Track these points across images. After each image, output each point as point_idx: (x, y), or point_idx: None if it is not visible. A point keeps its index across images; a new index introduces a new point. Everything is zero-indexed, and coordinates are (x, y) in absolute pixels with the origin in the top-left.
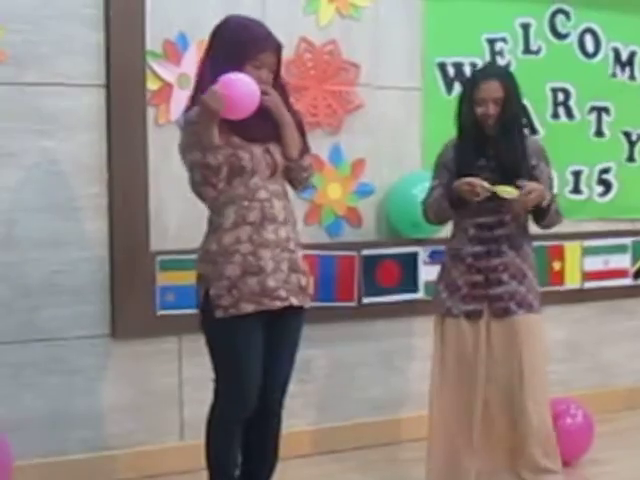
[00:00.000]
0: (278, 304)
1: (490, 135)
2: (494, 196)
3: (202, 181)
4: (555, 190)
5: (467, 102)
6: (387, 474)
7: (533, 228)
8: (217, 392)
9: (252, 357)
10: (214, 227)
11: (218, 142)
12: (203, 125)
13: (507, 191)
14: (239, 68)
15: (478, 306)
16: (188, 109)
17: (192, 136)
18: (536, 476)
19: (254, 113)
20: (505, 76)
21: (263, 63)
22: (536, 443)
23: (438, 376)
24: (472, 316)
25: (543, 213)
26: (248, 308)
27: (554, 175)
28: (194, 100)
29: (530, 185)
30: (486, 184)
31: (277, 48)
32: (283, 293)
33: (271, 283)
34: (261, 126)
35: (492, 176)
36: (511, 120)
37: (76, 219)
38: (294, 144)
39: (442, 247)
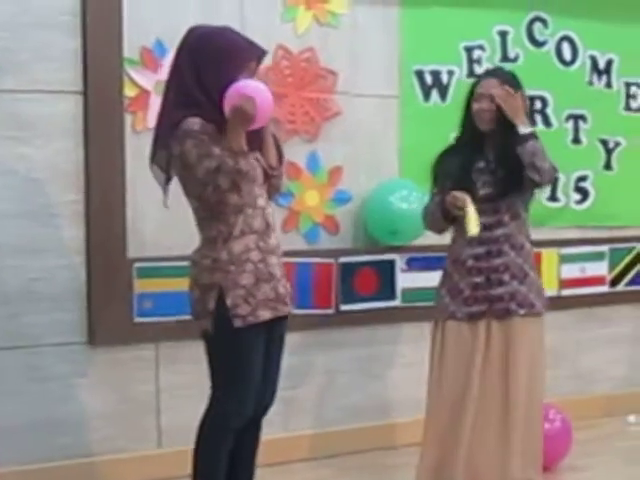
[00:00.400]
0: (286, 310)
1: (485, 132)
2: (491, 197)
3: (231, 187)
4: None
5: (468, 100)
6: (378, 479)
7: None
8: (215, 400)
9: (257, 365)
10: (216, 235)
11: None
12: (235, 131)
13: (471, 224)
14: (235, 77)
15: (480, 307)
16: (166, 118)
17: (212, 144)
18: None
19: None
20: (505, 76)
21: (250, 71)
22: (521, 452)
23: (436, 381)
24: (474, 318)
25: (521, 139)
26: (266, 315)
27: None
28: (166, 109)
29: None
30: (468, 201)
31: (261, 56)
32: (287, 299)
33: (281, 289)
34: (251, 134)
35: (491, 178)
36: (508, 119)
37: (53, 226)
38: (274, 152)
39: (419, 255)
